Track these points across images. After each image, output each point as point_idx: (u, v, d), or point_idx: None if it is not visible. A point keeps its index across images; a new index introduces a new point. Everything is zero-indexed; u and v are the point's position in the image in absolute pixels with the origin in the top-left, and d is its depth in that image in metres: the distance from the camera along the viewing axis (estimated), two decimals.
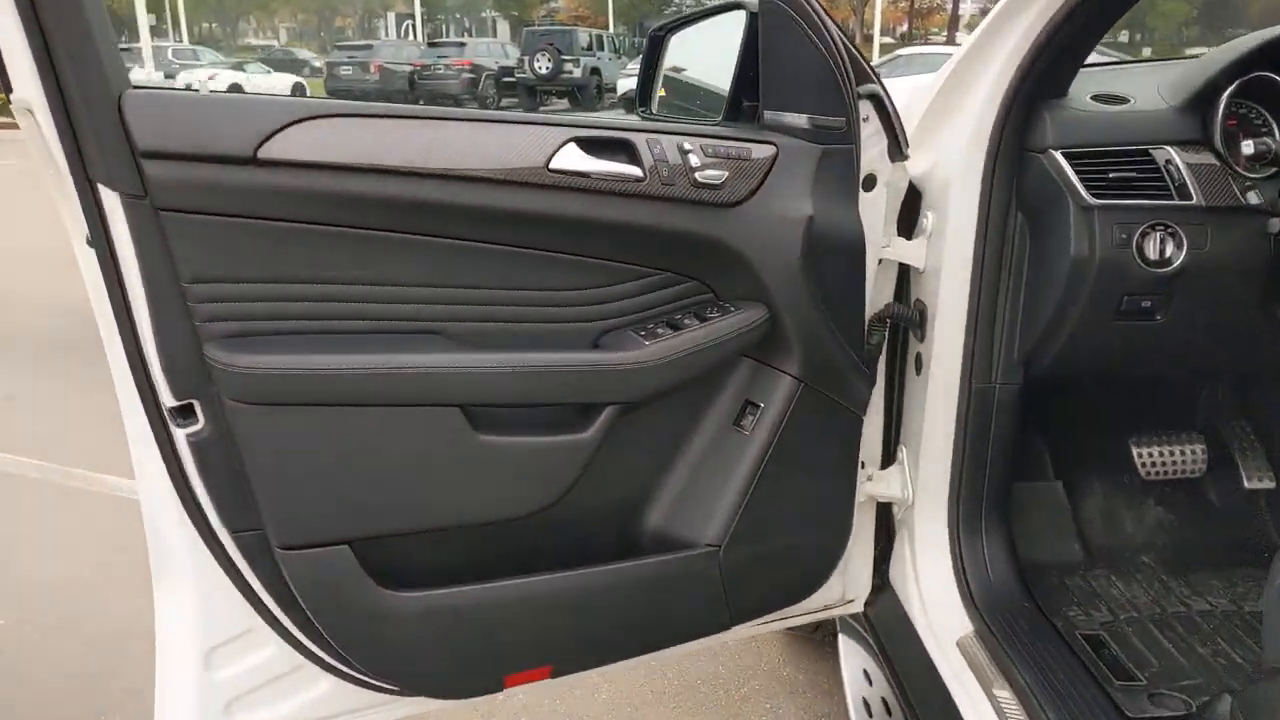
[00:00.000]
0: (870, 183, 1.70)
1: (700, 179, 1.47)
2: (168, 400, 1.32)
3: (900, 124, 1.68)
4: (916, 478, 1.94)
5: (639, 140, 1.45)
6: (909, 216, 1.86)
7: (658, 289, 1.55)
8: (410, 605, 1.42)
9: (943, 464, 1.92)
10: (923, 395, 1.89)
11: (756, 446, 1.60)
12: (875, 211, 1.72)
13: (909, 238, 1.85)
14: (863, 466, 1.96)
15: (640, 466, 1.60)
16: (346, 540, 1.37)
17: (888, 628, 2.05)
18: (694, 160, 1.47)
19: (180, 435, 1.34)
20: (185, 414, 1.34)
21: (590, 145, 1.42)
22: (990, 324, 1.84)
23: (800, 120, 1.56)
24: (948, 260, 1.80)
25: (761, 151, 1.52)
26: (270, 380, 1.27)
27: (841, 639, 2.26)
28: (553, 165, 1.39)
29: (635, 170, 1.44)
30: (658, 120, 1.69)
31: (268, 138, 1.24)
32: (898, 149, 1.68)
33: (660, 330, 1.50)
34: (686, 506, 1.61)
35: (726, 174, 1.49)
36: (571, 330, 1.50)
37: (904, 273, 1.91)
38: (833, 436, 1.70)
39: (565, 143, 1.40)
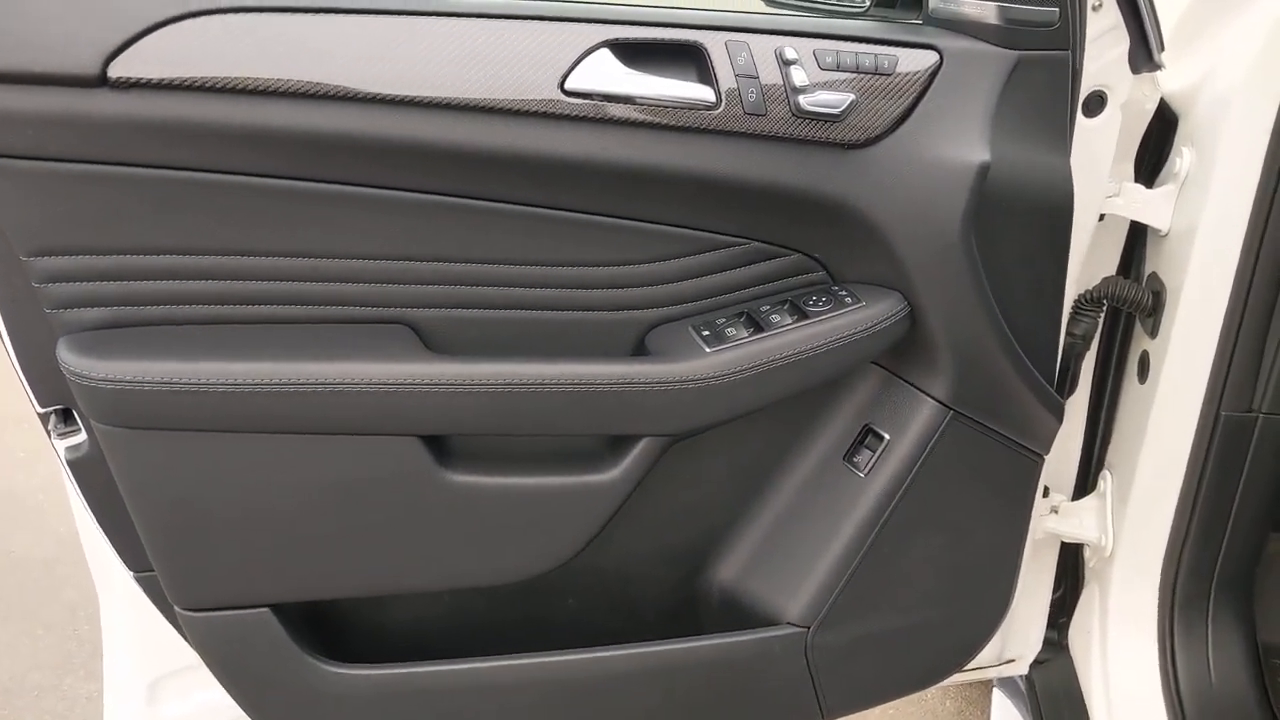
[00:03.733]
0: (1097, 104, 1.12)
1: (808, 105, 0.95)
2: (36, 405, 0.98)
3: (1154, 15, 1.07)
4: (1123, 519, 1.39)
5: (713, 44, 0.94)
6: (1152, 154, 1.25)
7: (737, 265, 1.05)
8: (357, 684, 1.05)
9: (1164, 508, 1.36)
10: (1145, 411, 1.32)
11: (875, 493, 1.11)
12: (1100, 145, 1.14)
13: (1149, 184, 1.26)
14: (1045, 494, 1.42)
15: (692, 514, 1.15)
16: (267, 603, 1.01)
17: (1057, 704, 1.54)
18: (799, 76, 0.95)
19: (60, 448, 1.00)
20: (66, 420, 1.00)
21: (634, 52, 0.93)
22: (1263, 323, 1.23)
23: (986, 10, 0.99)
24: (1209, 222, 1.20)
25: (913, 61, 0.98)
26: (139, 397, 0.89)
27: (996, 695, 1.76)
28: (571, 85, 0.91)
29: (704, 92, 0.94)
30: (766, 9, 1.15)
31: (124, 45, 0.82)
32: (1146, 53, 1.09)
33: (733, 330, 1.02)
34: (763, 569, 1.15)
35: (851, 98, 0.96)
36: (600, 324, 1.03)
37: (1135, 235, 1.32)
38: (994, 486, 1.17)
39: (594, 49, 0.91)
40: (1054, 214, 1.05)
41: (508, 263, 0.99)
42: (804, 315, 1.02)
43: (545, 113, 0.91)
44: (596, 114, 0.92)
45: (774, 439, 1.13)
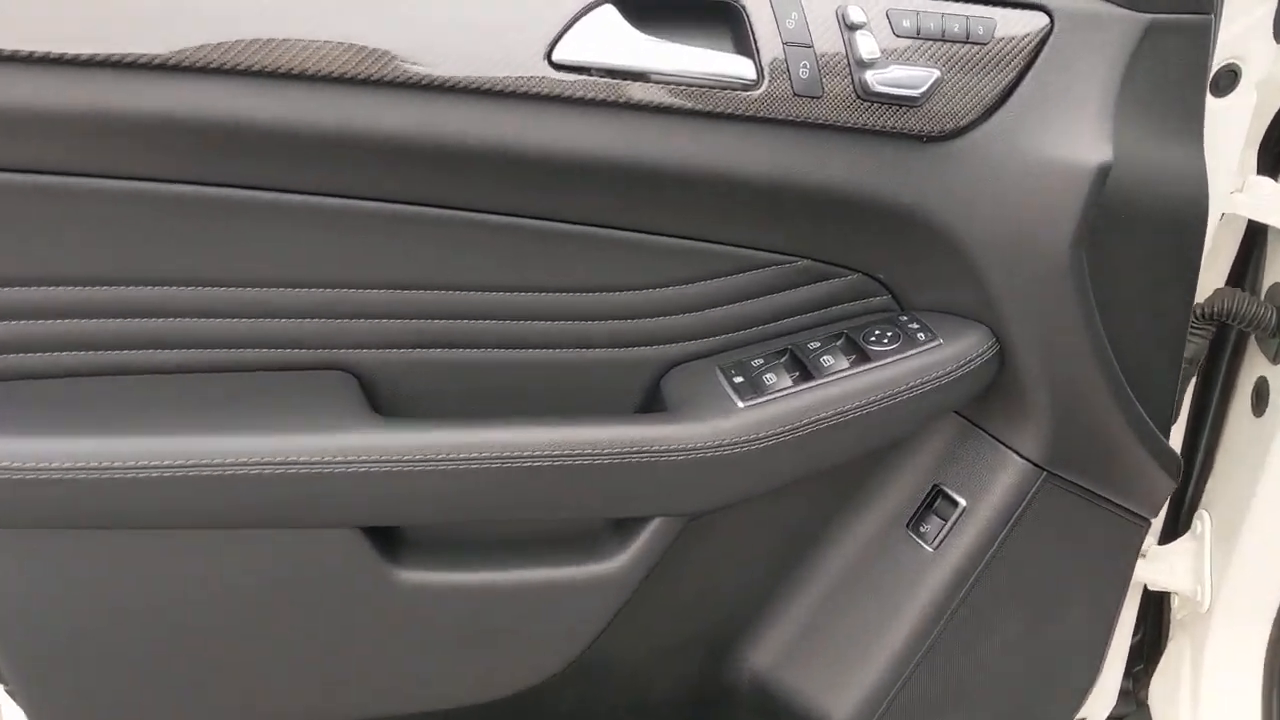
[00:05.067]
0: (1228, 80, 0.89)
1: (879, 85, 0.72)
2: None
3: None
4: (1228, 566, 1.17)
5: (749, 0, 0.70)
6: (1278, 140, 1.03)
7: (779, 289, 0.82)
8: None
9: (1276, 560, 1.14)
10: (1260, 447, 1.10)
11: (947, 572, 0.89)
12: (1229, 131, 0.92)
13: (1275, 176, 1.03)
14: None
15: (718, 594, 0.93)
16: None
17: None
18: (868, 46, 0.71)
19: None
20: None
21: (648, 11, 0.70)
22: None
23: None
24: None
25: (1015, 25, 0.74)
26: None
27: None
28: (561, 55, 0.68)
29: (741, 66, 0.71)
30: None
31: None
32: None
33: (773, 375, 0.79)
34: (805, 661, 0.93)
35: (935, 74, 0.73)
36: (603, 365, 0.81)
37: (1252, 239, 1.09)
38: (1091, 558, 0.95)
39: (594, 5, 0.68)
40: (1185, 227, 0.82)
41: (482, 289, 0.77)
42: (864, 356, 0.80)
43: (525, 93, 0.68)
44: (596, 95, 0.69)
45: (820, 502, 0.91)
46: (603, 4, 0.68)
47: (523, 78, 0.67)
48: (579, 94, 0.68)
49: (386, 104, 0.66)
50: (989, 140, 0.75)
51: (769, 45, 0.70)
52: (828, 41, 0.71)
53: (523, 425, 0.74)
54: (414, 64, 0.65)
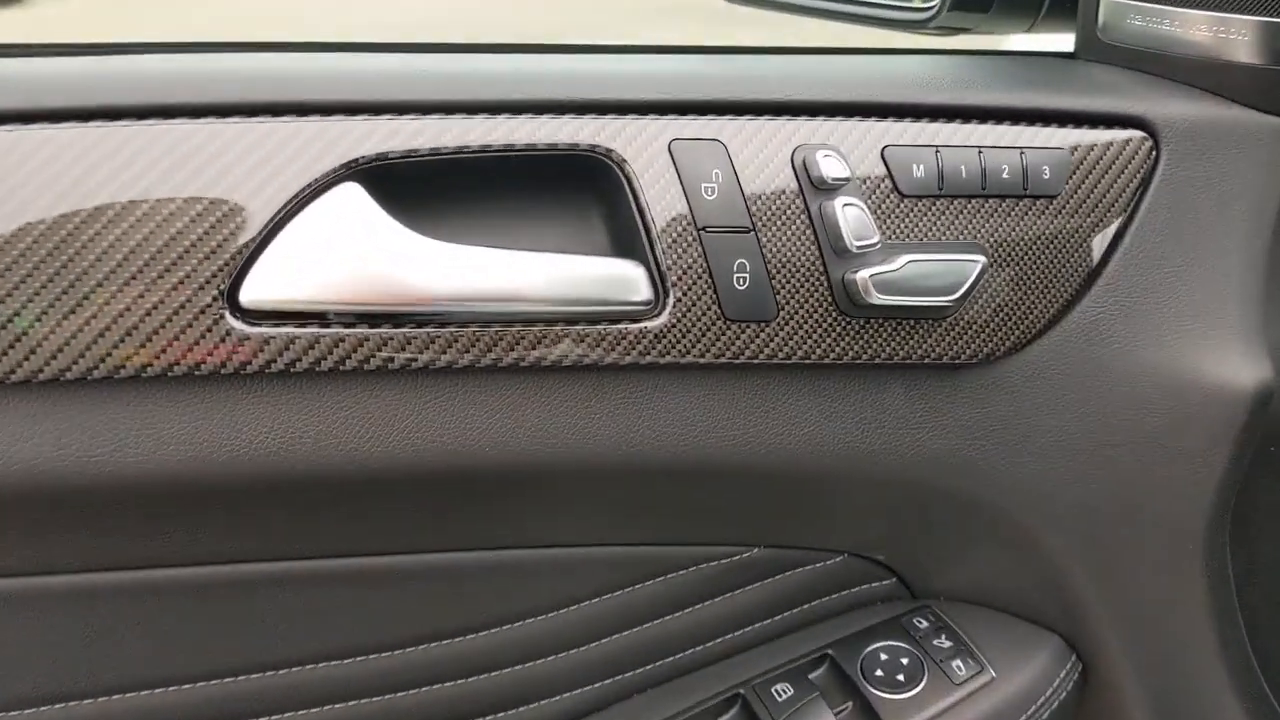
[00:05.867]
0: None
1: (881, 293, 0.39)
2: None
3: None
4: None
5: (639, 149, 0.37)
6: None
7: (722, 592, 0.49)
8: None
9: None
10: None
11: None
12: None
13: None
14: None
15: None
16: None
17: None
18: (855, 223, 0.38)
19: None
20: None
21: (432, 180, 0.36)
22: None
23: (1228, 34, 0.44)
24: None
25: (1101, 156, 0.42)
26: None
27: None
28: (253, 295, 0.33)
29: (623, 278, 0.37)
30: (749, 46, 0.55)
31: None
32: None
33: None
34: None
35: (979, 261, 0.40)
36: None
37: None
38: None
39: (322, 184, 0.34)
40: None
41: (212, 678, 0.42)
42: (868, 712, 0.47)
43: (196, 368, 0.34)
44: (338, 356, 0.35)
45: None
46: (340, 179, 0.35)
47: (182, 341, 0.33)
48: (299, 360, 0.34)
49: None
50: (1064, 354, 0.43)
51: (675, 235, 0.37)
52: (782, 219, 0.38)
53: None
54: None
